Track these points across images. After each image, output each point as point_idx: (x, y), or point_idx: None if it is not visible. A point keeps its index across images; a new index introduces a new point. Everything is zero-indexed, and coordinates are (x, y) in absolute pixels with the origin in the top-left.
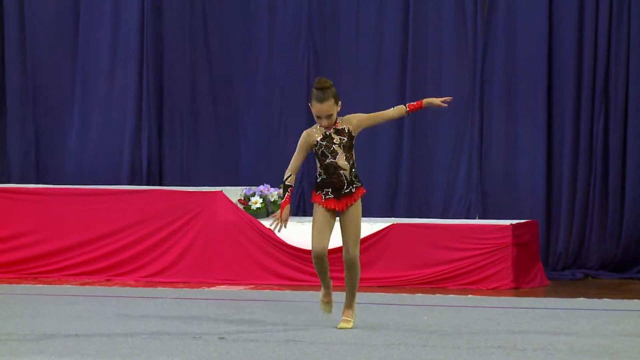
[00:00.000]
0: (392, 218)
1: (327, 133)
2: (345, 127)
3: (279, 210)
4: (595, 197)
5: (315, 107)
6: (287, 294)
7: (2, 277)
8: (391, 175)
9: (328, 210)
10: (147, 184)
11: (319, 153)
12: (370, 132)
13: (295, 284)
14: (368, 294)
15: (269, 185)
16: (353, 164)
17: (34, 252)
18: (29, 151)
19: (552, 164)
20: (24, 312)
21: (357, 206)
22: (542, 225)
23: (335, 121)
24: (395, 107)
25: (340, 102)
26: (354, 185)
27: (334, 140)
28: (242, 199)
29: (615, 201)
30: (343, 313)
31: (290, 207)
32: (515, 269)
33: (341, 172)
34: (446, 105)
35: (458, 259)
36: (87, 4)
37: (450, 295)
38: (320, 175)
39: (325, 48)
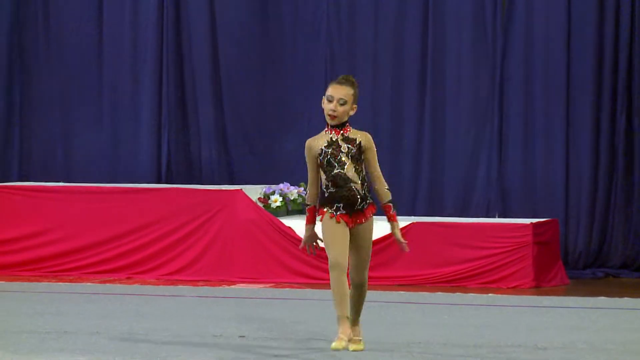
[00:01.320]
0: (412, 217)
1: (333, 139)
2: (357, 138)
3: (306, 236)
4: (617, 195)
5: (330, 89)
6: (307, 292)
7: (23, 275)
8: (411, 174)
9: (342, 225)
10: (168, 183)
11: (325, 163)
12: (391, 131)
13: (315, 282)
14: (388, 292)
15: (288, 184)
16: (364, 177)
17: (55, 250)
18: (51, 150)
19: (572, 162)
20: (45, 310)
21: (370, 224)
22: (562, 224)
23: (346, 125)
24: (384, 192)
25: (356, 106)
26: (367, 202)
27: (342, 149)
28: (262, 197)
29: (638, 200)
30: (352, 332)
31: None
32: (535, 267)
33: (352, 185)
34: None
35: (478, 258)
36: (109, 5)
37: (470, 294)
38: (328, 188)
39: (343, 49)
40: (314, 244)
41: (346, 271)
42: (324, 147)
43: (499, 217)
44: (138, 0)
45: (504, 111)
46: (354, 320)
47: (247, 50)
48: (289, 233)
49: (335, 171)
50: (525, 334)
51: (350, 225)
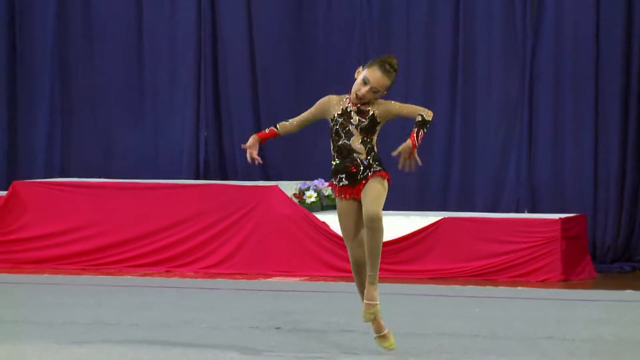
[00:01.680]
0: (444, 212)
1: (348, 109)
2: (371, 109)
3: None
4: None
5: (370, 73)
6: (341, 285)
7: (65, 268)
8: (443, 170)
9: (348, 202)
10: (205, 179)
11: (334, 131)
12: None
13: (349, 276)
14: (420, 285)
15: (322, 180)
16: (372, 147)
17: (97, 244)
18: (93, 147)
19: (600, 159)
20: (87, 302)
21: (374, 178)
22: (590, 219)
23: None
24: (421, 110)
25: (385, 94)
26: (372, 169)
27: (352, 120)
28: (297, 193)
29: None
30: (365, 306)
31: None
32: (564, 261)
33: (355, 155)
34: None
35: (508, 252)
36: (149, 5)
37: (500, 287)
38: (334, 159)
39: (376, 48)
40: (252, 153)
41: (364, 265)
42: (337, 115)
43: (528, 212)
44: (176, 1)
45: (534, 109)
46: (370, 280)
47: (282, 50)
48: (323, 228)
49: (341, 142)
50: (553, 327)
51: (357, 197)
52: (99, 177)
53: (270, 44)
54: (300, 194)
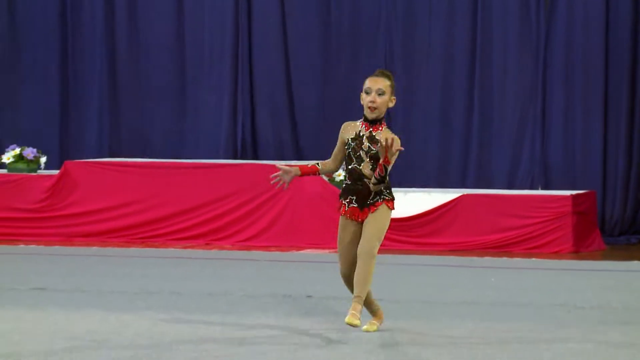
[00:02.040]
0: (463, 189)
1: (361, 134)
2: (381, 139)
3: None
4: None
5: (367, 82)
6: (381, 257)
7: (113, 241)
8: (462, 151)
9: (351, 222)
10: (242, 159)
11: (346, 154)
12: (440, 106)
13: (389, 247)
14: (441, 257)
15: None
16: (383, 176)
17: (142, 219)
18: (138, 129)
19: (609, 140)
20: (133, 273)
21: (381, 210)
22: (599, 195)
23: (380, 123)
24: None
25: (395, 98)
26: (382, 197)
27: (363, 147)
28: None
29: None
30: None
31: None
32: (574, 234)
33: (366, 180)
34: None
35: (522, 226)
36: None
37: (516, 259)
38: (345, 179)
39: (399, 42)
40: (285, 179)
41: (353, 275)
42: (350, 139)
43: (541, 189)
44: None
45: (547, 94)
46: (355, 300)
47: (312, 40)
48: None
49: (352, 165)
50: (565, 295)
51: (361, 219)
52: (144, 157)
53: (302, 35)
54: (330, 173)
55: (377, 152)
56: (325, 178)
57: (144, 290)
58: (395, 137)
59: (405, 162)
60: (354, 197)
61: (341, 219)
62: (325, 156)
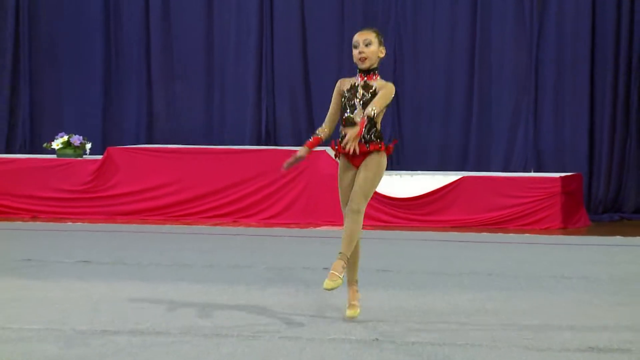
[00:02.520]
0: (463, 172)
1: (356, 84)
2: (374, 85)
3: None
4: (631, 154)
5: (354, 38)
6: (379, 232)
7: (151, 219)
8: (462, 137)
9: (347, 164)
10: (265, 145)
11: (342, 105)
12: (443, 96)
13: (385, 225)
14: (443, 232)
15: None
16: (374, 123)
17: (177, 198)
18: (172, 118)
19: (595, 126)
20: (168, 247)
21: (374, 157)
22: (585, 177)
23: (374, 73)
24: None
25: (384, 49)
26: (372, 143)
27: (357, 94)
28: None
29: None
30: (348, 295)
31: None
32: (563, 212)
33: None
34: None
35: (516, 205)
36: (218, 7)
37: (510, 234)
38: (341, 129)
39: (408, 35)
40: (296, 163)
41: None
42: (346, 90)
43: (534, 172)
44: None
45: (539, 85)
46: (339, 256)
47: (328, 38)
48: None
49: (347, 114)
50: (554, 266)
51: (357, 165)
52: (178, 143)
53: (318, 34)
54: None
55: (370, 97)
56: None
57: (178, 263)
58: (389, 85)
59: (409, 147)
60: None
61: (340, 164)
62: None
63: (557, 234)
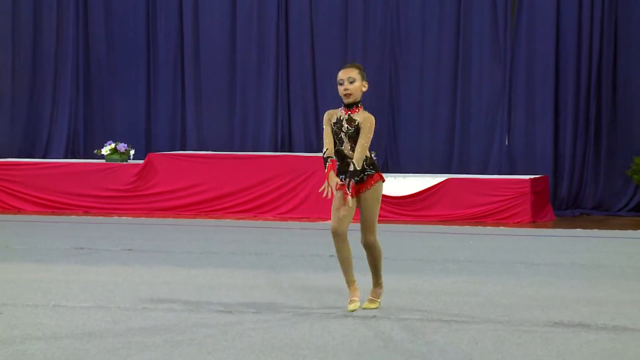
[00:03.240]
0: (447, 174)
1: (341, 118)
2: (357, 119)
3: (326, 179)
4: (589, 159)
5: (339, 74)
6: (385, 226)
7: (184, 214)
8: (447, 144)
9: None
10: (281, 151)
11: (333, 137)
12: (431, 109)
13: (381, 219)
14: (430, 226)
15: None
16: (358, 171)
17: (205, 197)
18: (201, 127)
19: (559, 135)
20: (198, 237)
21: (373, 192)
22: (551, 178)
23: (357, 106)
24: (356, 157)
25: (366, 83)
26: (366, 173)
27: (343, 128)
28: None
29: (604, 162)
30: (370, 292)
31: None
32: (532, 208)
33: (349, 160)
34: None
35: (493, 202)
36: (241, 23)
37: (488, 227)
38: (337, 160)
39: (401, 57)
40: (329, 189)
41: (342, 233)
42: (333, 123)
43: (507, 174)
44: (262, 20)
45: (512, 100)
46: (375, 282)
47: (333, 57)
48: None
49: (337, 147)
50: (525, 254)
51: (354, 194)
52: (206, 150)
53: (325, 59)
54: None
55: (353, 131)
56: None
57: (207, 251)
58: (369, 119)
59: (403, 153)
60: (343, 176)
61: (335, 194)
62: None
63: (527, 227)
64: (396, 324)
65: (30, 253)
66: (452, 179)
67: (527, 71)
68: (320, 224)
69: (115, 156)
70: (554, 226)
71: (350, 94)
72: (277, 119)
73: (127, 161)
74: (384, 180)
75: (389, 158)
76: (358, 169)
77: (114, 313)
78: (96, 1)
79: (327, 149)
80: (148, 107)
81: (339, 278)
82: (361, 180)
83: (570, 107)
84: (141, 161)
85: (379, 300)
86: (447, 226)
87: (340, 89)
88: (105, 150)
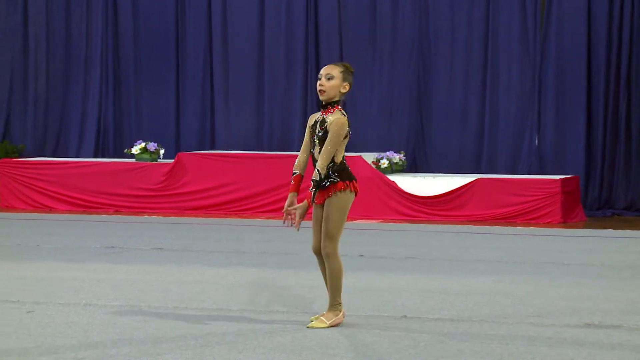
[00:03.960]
0: (477, 174)
1: (317, 120)
2: (328, 121)
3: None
4: (620, 159)
5: (321, 70)
6: (406, 225)
7: (213, 213)
8: (477, 145)
9: (316, 206)
10: None
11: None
12: (460, 109)
13: (411, 219)
14: (460, 226)
15: (393, 152)
16: (331, 158)
17: (235, 196)
18: (229, 128)
19: (591, 135)
20: (228, 237)
21: (335, 200)
22: (582, 178)
23: (332, 106)
24: (316, 170)
25: (348, 85)
26: (330, 180)
27: (316, 131)
28: (375, 160)
29: (635, 162)
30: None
31: (296, 194)
32: (562, 209)
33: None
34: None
35: (523, 202)
36: (270, 22)
37: (518, 227)
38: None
39: (430, 59)
40: (292, 214)
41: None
42: (310, 125)
43: (538, 174)
44: (291, 19)
45: (542, 100)
46: (330, 302)
47: (362, 64)
48: (393, 185)
49: (311, 151)
50: (555, 255)
51: (319, 201)
52: (235, 149)
53: (353, 58)
54: (377, 162)
55: (323, 134)
56: (373, 166)
57: (237, 250)
58: (338, 122)
59: (432, 153)
60: (312, 185)
61: (314, 207)
62: (372, 145)
63: (558, 227)
64: (426, 324)
65: (62, 252)
66: (481, 179)
67: (557, 71)
68: (349, 223)
69: (146, 155)
70: (585, 227)
71: (324, 91)
72: (305, 118)
73: (157, 160)
74: (353, 190)
75: (418, 158)
76: (319, 177)
77: (144, 312)
78: (125, 0)
79: (297, 161)
80: (177, 106)
81: (368, 279)
82: (323, 188)
83: (601, 107)
84: (170, 160)
85: (328, 323)
86: (477, 226)
87: (318, 83)
88: (135, 150)
